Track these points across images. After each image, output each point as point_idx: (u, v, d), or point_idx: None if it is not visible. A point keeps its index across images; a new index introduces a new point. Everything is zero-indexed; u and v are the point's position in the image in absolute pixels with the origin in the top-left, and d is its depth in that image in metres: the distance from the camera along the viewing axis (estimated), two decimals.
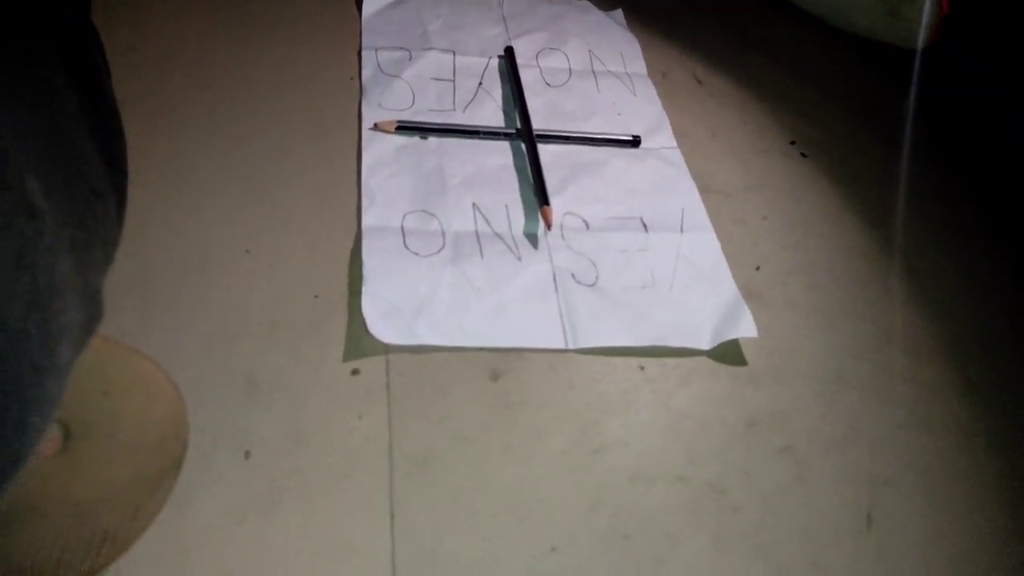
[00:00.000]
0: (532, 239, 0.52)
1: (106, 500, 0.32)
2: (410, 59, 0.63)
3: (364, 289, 0.46)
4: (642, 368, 0.47)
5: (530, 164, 0.56)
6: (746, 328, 0.49)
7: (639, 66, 0.68)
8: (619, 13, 0.74)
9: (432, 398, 0.43)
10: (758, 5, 0.79)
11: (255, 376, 0.42)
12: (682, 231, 0.55)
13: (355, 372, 0.43)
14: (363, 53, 0.63)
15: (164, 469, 0.35)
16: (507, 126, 0.60)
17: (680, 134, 0.63)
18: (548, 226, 0.52)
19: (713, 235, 0.55)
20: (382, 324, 0.45)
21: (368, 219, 0.51)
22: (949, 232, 0.60)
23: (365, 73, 0.61)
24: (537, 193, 0.54)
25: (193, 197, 0.50)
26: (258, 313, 0.45)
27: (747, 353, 0.49)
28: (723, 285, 0.52)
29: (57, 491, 0.31)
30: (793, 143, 0.65)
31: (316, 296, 0.46)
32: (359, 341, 0.45)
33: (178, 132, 0.54)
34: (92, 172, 0.31)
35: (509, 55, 0.65)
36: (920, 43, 0.72)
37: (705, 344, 0.48)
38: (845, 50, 0.76)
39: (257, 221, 0.50)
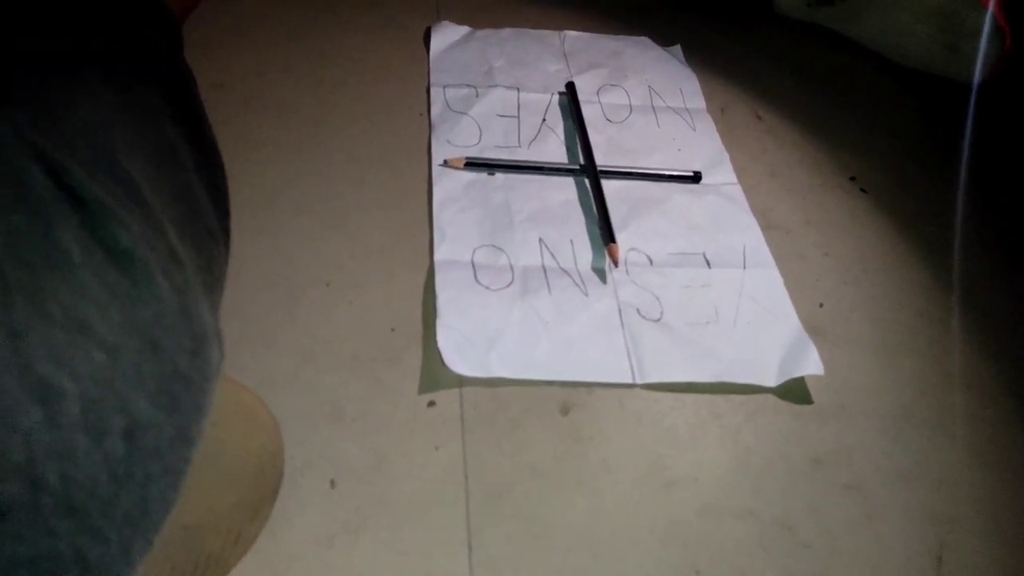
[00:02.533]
0: (599, 274, 0.53)
1: (211, 525, 0.34)
2: (476, 96, 0.66)
3: (439, 322, 0.48)
4: (709, 404, 0.48)
5: (595, 202, 0.58)
6: (812, 366, 0.50)
7: (698, 102, 0.70)
8: (678, 49, 0.76)
9: (505, 430, 0.45)
10: (816, 40, 0.80)
11: (340, 406, 0.44)
12: (744, 267, 0.56)
13: (431, 404, 0.45)
14: (431, 90, 0.65)
15: (263, 497, 0.37)
16: (570, 162, 0.62)
17: (739, 170, 0.64)
18: (615, 263, 0.54)
19: (776, 271, 0.56)
20: (456, 356, 0.47)
21: (440, 253, 0.53)
22: (1009, 268, 0.60)
23: (434, 110, 0.64)
24: (603, 230, 0.56)
25: (276, 230, 0.52)
26: (340, 345, 0.47)
27: (812, 390, 0.50)
28: (787, 321, 0.53)
29: None
30: (853, 179, 0.66)
31: (393, 329, 0.48)
32: (434, 374, 0.46)
33: (261, 166, 0.57)
34: (206, 214, 0.32)
35: (571, 90, 0.67)
36: (979, 77, 0.72)
37: (771, 381, 0.49)
38: (904, 85, 0.76)
39: (336, 255, 0.52)
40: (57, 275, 0.20)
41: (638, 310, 0.52)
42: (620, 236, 0.56)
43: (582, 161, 0.61)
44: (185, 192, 0.31)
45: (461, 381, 0.46)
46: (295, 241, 0.52)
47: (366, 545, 0.39)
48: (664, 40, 0.76)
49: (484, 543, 0.40)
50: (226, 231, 0.38)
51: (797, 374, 0.49)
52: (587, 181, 0.60)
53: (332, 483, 0.41)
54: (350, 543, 0.39)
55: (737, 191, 0.62)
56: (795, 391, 0.49)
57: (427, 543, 0.39)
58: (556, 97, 0.67)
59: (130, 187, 0.25)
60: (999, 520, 0.45)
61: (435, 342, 0.47)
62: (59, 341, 0.19)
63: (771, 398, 0.49)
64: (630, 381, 0.48)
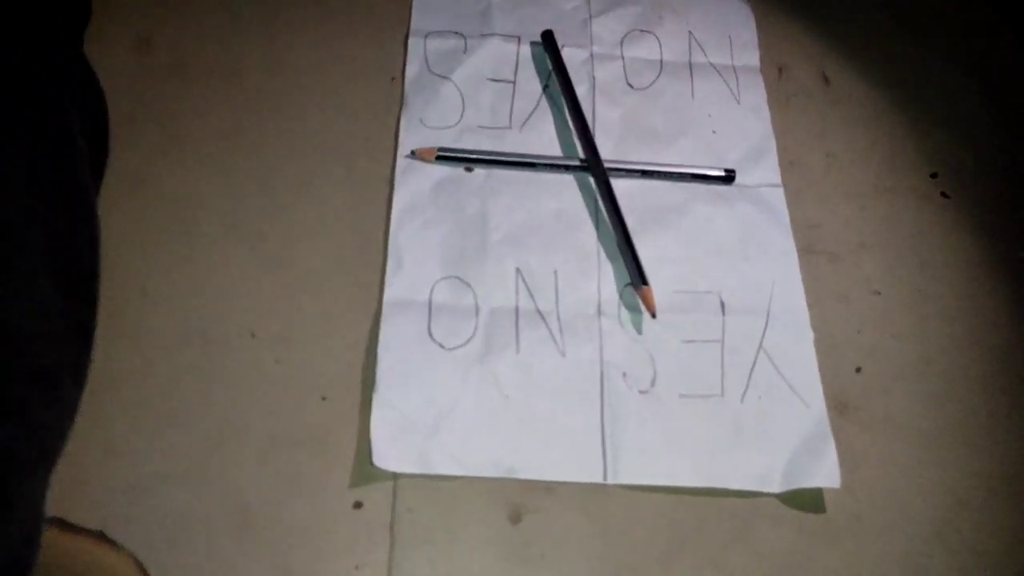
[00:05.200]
0: (580, 322, 0.44)
1: None
2: (465, 50, 0.53)
3: (375, 398, 0.40)
4: (695, 509, 0.40)
5: (613, 227, 0.46)
6: (827, 475, 0.41)
7: (750, 56, 0.55)
8: None
9: (441, 544, 0.38)
10: None
11: (248, 507, 0.38)
12: (768, 315, 0.45)
13: (357, 505, 0.39)
14: (409, 42, 0.53)
15: None
16: (571, 152, 0.50)
17: (788, 161, 0.51)
18: (651, 312, 0.44)
19: (807, 322, 0.45)
20: (391, 447, 0.39)
21: (392, 290, 0.44)
22: None
23: (409, 73, 0.51)
24: (632, 271, 0.45)
25: (197, 262, 0.44)
26: (258, 422, 0.40)
27: (830, 493, 0.41)
28: (809, 401, 0.43)
29: None
30: (935, 176, 0.52)
31: (324, 398, 0.41)
32: (366, 462, 0.39)
33: (185, 166, 0.47)
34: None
35: (548, 42, 0.52)
36: None
37: (774, 487, 0.40)
38: None
39: (267, 293, 0.44)
40: None
41: (624, 375, 0.43)
42: (618, 266, 0.46)
43: (581, 153, 0.49)
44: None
45: (396, 474, 0.39)
46: (218, 276, 0.44)
47: None
48: None
49: None
50: (85, 332, 0.32)
51: (807, 484, 0.40)
52: (592, 181, 0.48)
53: None
54: None
55: (778, 196, 0.49)
56: (808, 495, 0.41)
57: None
58: (568, 51, 0.53)
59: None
60: None
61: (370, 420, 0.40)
62: None
63: (776, 505, 0.41)
64: (600, 480, 0.40)
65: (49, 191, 0.31)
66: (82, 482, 0.37)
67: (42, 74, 0.35)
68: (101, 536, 0.34)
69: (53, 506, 0.35)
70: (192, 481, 0.38)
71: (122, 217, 0.44)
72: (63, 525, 0.34)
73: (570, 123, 0.50)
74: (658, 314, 0.44)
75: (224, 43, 0.51)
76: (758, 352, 0.44)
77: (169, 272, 0.43)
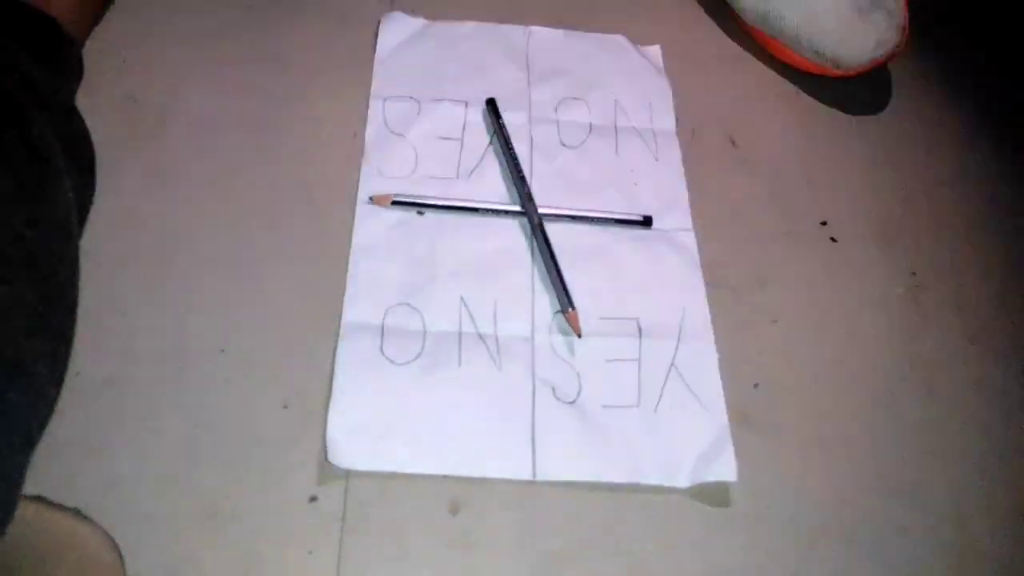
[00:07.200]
0: (515, 344, 0.50)
1: None
2: (418, 113, 0.60)
3: (331, 406, 0.46)
4: (614, 504, 0.45)
5: (545, 262, 0.53)
6: (726, 470, 0.47)
7: (667, 121, 0.63)
8: (657, 51, 0.68)
9: (388, 533, 0.43)
10: None
11: (217, 503, 0.42)
12: (679, 339, 0.52)
13: (313, 499, 0.43)
14: (371, 103, 0.60)
15: None
16: (512, 197, 0.57)
17: (699, 210, 0.58)
18: (577, 333, 0.50)
19: (712, 346, 0.52)
20: (345, 446, 0.44)
21: (349, 314, 0.50)
22: (981, 353, 0.55)
23: (369, 130, 0.59)
24: (560, 298, 0.51)
25: (175, 288, 0.49)
26: (225, 428, 0.45)
27: (731, 491, 0.47)
28: (713, 410, 0.49)
29: None
30: (824, 223, 0.60)
31: (285, 406, 0.46)
32: (322, 461, 0.44)
33: (167, 207, 0.53)
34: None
35: (492, 108, 0.61)
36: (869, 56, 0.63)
37: (683, 482, 0.46)
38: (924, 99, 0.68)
39: (237, 313, 0.49)
40: None
41: (554, 389, 0.49)
42: (548, 296, 0.52)
43: (520, 201, 0.56)
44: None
45: (348, 472, 0.44)
46: (193, 302, 0.49)
47: None
48: (644, 37, 0.69)
49: None
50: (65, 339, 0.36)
51: (709, 478, 0.46)
52: (529, 225, 0.55)
53: None
54: None
55: (690, 239, 0.57)
56: (712, 492, 0.47)
57: None
58: (509, 115, 0.61)
59: None
60: None
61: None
62: None
63: (685, 500, 0.46)
64: (529, 477, 0.45)
65: (31, 213, 0.35)
66: (61, 478, 0.41)
67: (34, 124, 0.39)
68: (77, 513, 0.38)
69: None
70: (164, 479, 0.43)
71: (108, 250, 0.50)
72: (43, 501, 0.38)
73: (509, 175, 0.58)
74: (584, 337, 0.51)
75: (203, 101, 0.58)
76: (670, 369, 0.51)
77: (148, 297, 0.49)
